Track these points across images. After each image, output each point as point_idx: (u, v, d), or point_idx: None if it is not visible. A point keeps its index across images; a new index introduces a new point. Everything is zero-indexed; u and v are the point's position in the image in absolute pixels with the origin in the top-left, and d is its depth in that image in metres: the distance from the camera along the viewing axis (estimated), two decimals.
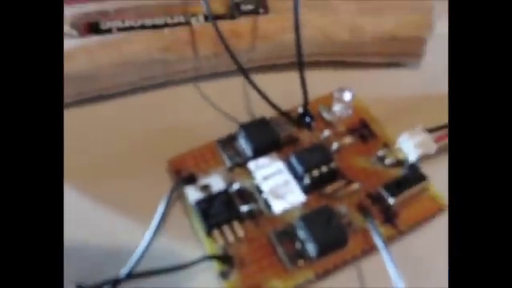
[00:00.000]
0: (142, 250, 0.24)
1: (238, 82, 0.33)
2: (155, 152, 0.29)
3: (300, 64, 0.29)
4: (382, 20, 0.33)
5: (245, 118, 0.30)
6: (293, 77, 0.30)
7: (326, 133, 0.29)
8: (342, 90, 0.29)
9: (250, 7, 0.33)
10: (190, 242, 0.26)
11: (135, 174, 0.28)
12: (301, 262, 0.24)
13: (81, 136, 0.30)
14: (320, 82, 0.30)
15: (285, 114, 0.29)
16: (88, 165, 0.29)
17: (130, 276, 0.23)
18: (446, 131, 0.28)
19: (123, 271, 0.23)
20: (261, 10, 0.33)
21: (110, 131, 0.31)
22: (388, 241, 0.24)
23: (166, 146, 0.29)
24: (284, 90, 0.30)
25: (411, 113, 0.31)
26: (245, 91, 0.32)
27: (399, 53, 0.34)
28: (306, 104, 0.29)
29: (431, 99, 0.32)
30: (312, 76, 0.30)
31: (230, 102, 0.32)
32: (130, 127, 0.31)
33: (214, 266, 0.24)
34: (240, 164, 0.28)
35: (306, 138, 0.29)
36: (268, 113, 0.29)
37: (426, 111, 0.30)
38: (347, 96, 0.29)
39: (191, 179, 0.27)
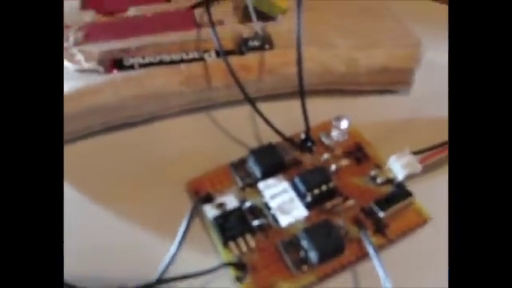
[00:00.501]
0: (169, 259, 0.27)
1: (246, 110, 0.36)
2: (175, 174, 0.32)
3: (302, 94, 0.33)
4: (375, 54, 0.36)
5: (253, 143, 0.34)
6: (295, 105, 0.33)
7: (326, 156, 0.32)
8: (339, 119, 0.33)
9: (256, 43, 0.37)
10: (209, 253, 0.29)
11: (157, 194, 0.32)
12: (305, 268, 0.28)
13: (107, 161, 0.34)
14: (320, 108, 0.34)
15: (289, 140, 0.33)
16: (115, 186, 0.32)
17: (161, 281, 0.26)
18: (429, 153, 0.32)
19: (153, 277, 0.26)
20: (266, 46, 0.37)
21: (133, 156, 0.34)
22: (379, 248, 0.28)
23: (184, 168, 0.32)
24: (288, 117, 0.33)
25: (401, 135, 0.35)
26: (252, 119, 0.36)
27: (390, 82, 0.38)
28: (307, 130, 0.33)
29: (419, 122, 0.36)
30: (312, 103, 0.33)
31: (239, 129, 0.36)
32: (150, 152, 0.34)
33: (230, 272, 0.28)
34: (250, 184, 0.31)
35: (308, 160, 0.32)
36: (273, 138, 0.33)
37: (413, 134, 0.34)
38: (344, 124, 0.32)
39: (208, 198, 0.30)
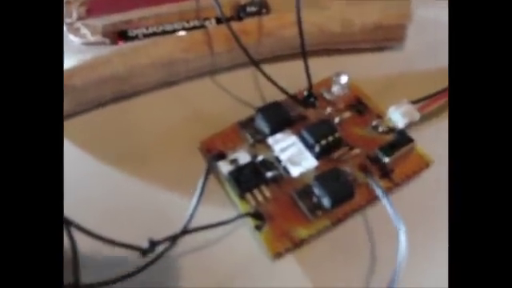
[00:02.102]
0: (190, 213, 0.29)
1: (248, 73, 0.38)
2: (186, 136, 0.34)
3: (304, 54, 0.34)
4: (368, 12, 0.38)
5: (258, 103, 0.35)
6: (294, 65, 0.35)
7: (329, 110, 0.34)
8: (339, 74, 0.34)
9: (253, 9, 0.38)
10: (226, 206, 0.31)
11: (172, 156, 0.34)
12: (319, 213, 0.29)
13: (120, 129, 0.35)
14: (318, 67, 0.36)
15: (293, 97, 0.34)
16: (130, 152, 0.34)
17: (185, 232, 0.28)
18: (427, 101, 0.33)
19: (178, 229, 0.28)
20: (263, 11, 0.38)
21: (144, 122, 0.36)
22: (386, 191, 0.30)
23: (195, 130, 0.34)
24: (288, 76, 0.35)
25: (397, 88, 0.36)
26: (255, 81, 0.38)
27: (384, 38, 0.39)
28: (310, 87, 0.34)
29: (414, 75, 0.37)
30: (311, 63, 0.35)
31: (244, 91, 0.37)
32: (161, 118, 0.36)
33: (249, 222, 0.29)
34: (260, 140, 0.33)
35: (312, 115, 0.34)
36: (277, 97, 0.34)
37: (410, 86, 0.36)
38: (344, 79, 0.34)
39: (221, 156, 0.32)
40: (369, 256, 0.29)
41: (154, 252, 0.27)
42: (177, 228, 0.28)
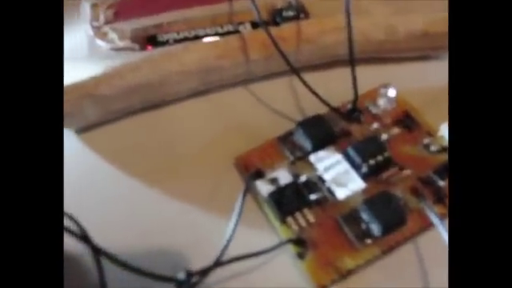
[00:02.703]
0: (227, 238, 0.27)
1: (285, 82, 0.36)
2: (221, 150, 0.32)
3: (352, 62, 0.32)
4: (413, 19, 0.36)
5: (297, 116, 0.33)
6: (334, 75, 0.34)
7: (375, 125, 0.32)
8: (386, 86, 0.32)
9: (291, 13, 0.36)
10: (265, 231, 0.29)
11: (206, 171, 0.31)
12: (368, 241, 0.27)
13: (149, 140, 0.33)
14: (361, 77, 0.33)
15: (336, 110, 0.32)
16: (161, 165, 0.32)
17: (219, 263, 0.26)
18: None
19: (211, 258, 0.26)
20: (301, 16, 0.36)
21: (175, 133, 0.34)
22: (441, 218, 0.27)
23: (230, 144, 0.32)
24: (329, 87, 0.33)
25: (446, 101, 0.34)
26: (293, 91, 0.35)
27: (430, 47, 0.37)
28: (356, 99, 0.32)
29: None
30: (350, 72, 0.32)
31: (281, 102, 0.35)
32: (193, 129, 0.34)
33: (291, 249, 0.27)
34: (301, 158, 0.31)
35: (357, 130, 0.32)
36: (317, 110, 0.32)
37: None
38: (392, 92, 0.32)
39: (259, 174, 0.30)
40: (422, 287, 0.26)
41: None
42: (211, 254, 0.26)
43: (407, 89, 0.34)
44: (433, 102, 0.34)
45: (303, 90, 0.33)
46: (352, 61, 0.32)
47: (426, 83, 0.35)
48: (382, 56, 0.37)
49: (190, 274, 0.24)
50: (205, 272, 0.25)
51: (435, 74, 0.36)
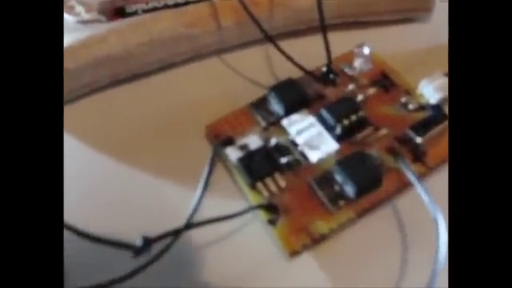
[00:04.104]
0: (194, 205, 0.25)
1: (260, 50, 0.34)
2: (192, 121, 0.30)
3: (322, 25, 0.30)
4: None
5: (271, 82, 0.31)
6: (311, 41, 0.32)
7: (351, 87, 0.30)
8: (361, 46, 0.30)
9: None
10: (235, 198, 0.27)
11: (176, 142, 0.30)
12: (341, 203, 0.26)
13: (118, 116, 0.32)
14: (338, 42, 0.32)
15: (310, 73, 0.30)
16: (131, 140, 0.31)
17: (189, 226, 0.24)
18: None
19: (181, 223, 0.25)
20: None
21: (145, 107, 0.32)
22: (420, 177, 0.26)
23: (201, 115, 0.30)
24: (305, 53, 0.31)
25: (427, 62, 0.32)
26: (268, 59, 0.34)
27: (410, 8, 0.35)
28: (329, 62, 0.30)
29: (444, 48, 0.33)
30: (330, 38, 0.31)
31: (255, 70, 0.33)
32: (163, 102, 0.32)
33: (261, 216, 0.26)
34: (273, 123, 0.29)
35: (331, 93, 0.30)
36: (292, 75, 0.31)
37: (440, 60, 0.31)
38: (366, 50, 0.30)
39: (229, 141, 0.28)
40: (400, 252, 0.25)
41: (152, 251, 0.23)
42: (179, 224, 0.25)
43: (386, 51, 0.32)
44: (412, 62, 0.32)
45: (279, 58, 0.31)
46: (322, 22, 0.31)
47: (405, 45, 0.34)
48: (360, 20, 0.35)
49: (147, 241, 0.22)
50: (169, 236, 0.24)
51: (415, 37, 0.35)
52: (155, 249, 0.24)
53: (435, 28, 0.35)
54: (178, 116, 0.31)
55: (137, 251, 0.22)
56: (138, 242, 0.23)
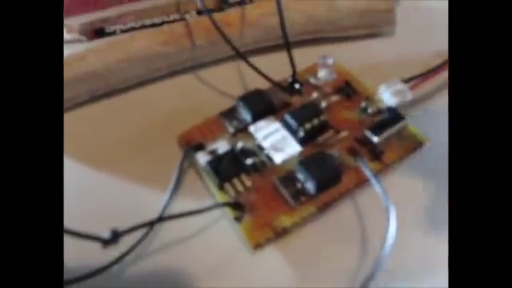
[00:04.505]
0: (163, 205, 0.27)
1: (231, 66, 0.36)
2: (166, 132, 0.32)
3: (285, 38, 0.33)
4: None
5: (240, 94, 0.33)
6: (279, 57, 0.33)
7: (315, 95, 0.32)
8: (325, 57, 0.32)
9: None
10: (204, 198, 0.29)
11: (151, 152, 0.31)
12: (303, 199, 0.27)
13: (97, 129, 0.33)
14: (305, 56, 0.34)
15: (277, 84, 0.32)
16: (109, 149, 0.32)
17: (159, 219, 0.26)
18: (418, 79, 0.31)
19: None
20: (247, 1, 0.37)
21: (122, 121, 0.34)
22: (377, 174, 0.27)
23: (175, 126, 0.32)
24: (272, 68, 0.33)
25: (388, 72, 0.34)
26: (239, 74, 0.36)
27: (373, 23, 0.37)
28: (294, 72, 0.32)
29: (405, 60, 0.35)
30: (297, 53, 0.33)
31: (226, 84, 0.35)
32: (140, 116, 0.34)
33: (228, 214, 0.27)
34: (241, 129, 0.31)
35: (297, 101, 0.32)
36: (261, 87, 0.32)
37: (400, 69, 0.33)
38: (329, 61, 0.32)
39: (200, 147, 0.30)
40: (358, 243, 0.27)
41: (121, 246, 0.25)
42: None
43: (350, 63, 0.34)
44: (374, 72, 0.34)
45: (250, 72, 0.33)
46: (285, 37, 0.33)
47: (368, 58, 0.36)
48: (327, 35, 0.37)
49: (116, 233, 0.24)
50: (132, 230, 0.25)
51: (378, 50, 0.37)
52: (125, 245, 0.25)
53: (397, 42, 0.37)
54: (154, 128, 0.33)
55: (105, 243, 0.24)
56: (107, 235, 0.24)
